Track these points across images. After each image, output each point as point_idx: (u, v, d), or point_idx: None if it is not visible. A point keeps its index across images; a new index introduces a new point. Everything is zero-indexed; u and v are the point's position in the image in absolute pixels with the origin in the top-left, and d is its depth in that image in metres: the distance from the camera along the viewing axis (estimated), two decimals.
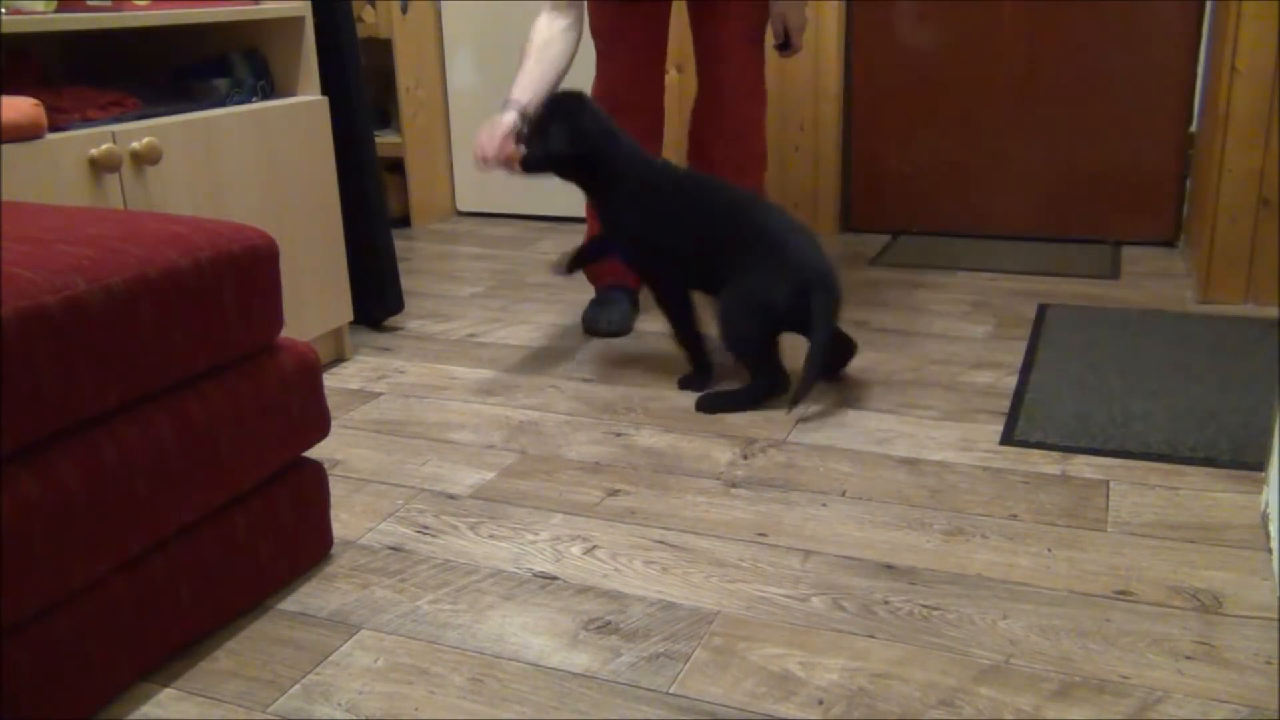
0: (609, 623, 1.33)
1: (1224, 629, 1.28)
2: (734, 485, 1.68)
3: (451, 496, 1.68)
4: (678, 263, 2.01)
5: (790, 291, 1.87)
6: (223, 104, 2.00)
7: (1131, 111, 3.01)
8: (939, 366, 2.16)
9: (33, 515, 1.04)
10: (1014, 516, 1.56)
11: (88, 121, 1.76)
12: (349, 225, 2.32)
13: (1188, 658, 1.22)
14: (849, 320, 2.46)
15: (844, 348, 2.07)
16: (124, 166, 1.75)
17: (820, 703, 1.17)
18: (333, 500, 1.66)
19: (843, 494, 1.64)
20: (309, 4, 2.12)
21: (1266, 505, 1.50)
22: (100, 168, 1.70)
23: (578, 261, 2.25)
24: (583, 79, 2.24)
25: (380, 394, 2.12)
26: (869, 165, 3.32)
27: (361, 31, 3.33)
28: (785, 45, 2.37)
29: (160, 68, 2.18)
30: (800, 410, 1.94)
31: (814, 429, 1.88)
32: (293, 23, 2.12)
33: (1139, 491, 1.62)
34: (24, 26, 1.66)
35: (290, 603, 1.39)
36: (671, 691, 1.20)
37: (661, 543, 1.52)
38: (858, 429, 1.88)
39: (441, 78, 3.64)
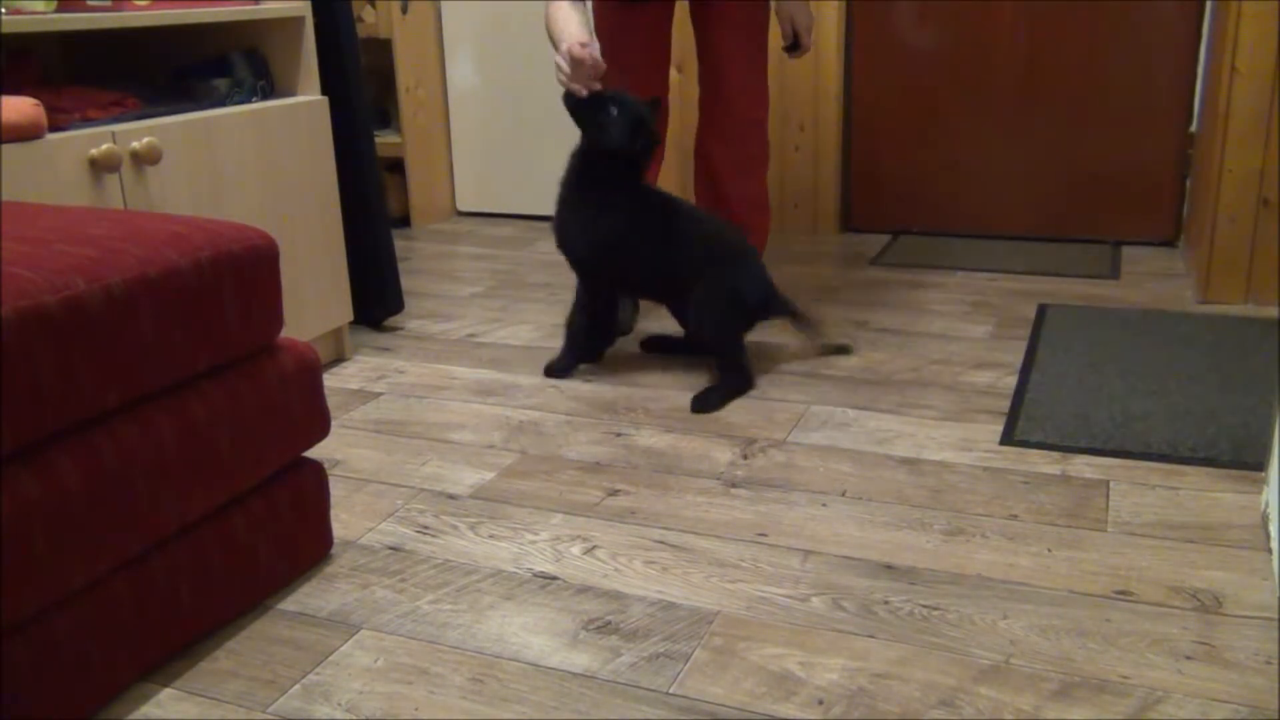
0: (609, 623, 1.33)
1: (1224, 629, 1.28)
2: (734, 485, 1.68)
3: (451, 496, 1.68)
4: (638, 274, 2.10)
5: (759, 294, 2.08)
6: (223, 104, 2.00)
7: (1131, 111, 3.01)
8: (939, 366, 2.16)
9: (33, 515, 1.04)
10: (1014, 516, 1.56)
11: (88, 121, 1.76)
12: (349, 225, 2.32)
13: (1188, 658, 1.22)
14: (849, 320, 2.46)
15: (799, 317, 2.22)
16: (124, 166, 1.75)
17: (820, 703, 1.17)
18: (333, 500, 1.66)
19: (843, 494, 1.64)
20: (309, 4, 2.12)
21: (1266, 505, 1.50)
22: (100, 168, 1.70)
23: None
24: None
25: (380, 394, 2.12)
26: (869, 165, 3.31)
27: (361, 31, 3.33)
28: (794, 46, 2.37)
29: (160, 68, 2.18)
30: (823, 350, 2.07)
31: (814, 429, 1.88)
32: (293, 23, 2.12)
33: (1139, 491, 1.62)
34: (24, 26, 1.66)
35: (290, 603, 1.39)
36: (671, 691, 1.20)
37: (661, 543, 1.52)
38: (858, 429, 1.88)
39: (441, 78, 3.64)
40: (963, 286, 2.72)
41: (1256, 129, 2.37)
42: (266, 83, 2.12)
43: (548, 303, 2.69)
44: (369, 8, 3.43)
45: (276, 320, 1.35)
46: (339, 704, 1.19)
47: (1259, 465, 1.68)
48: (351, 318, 2.31)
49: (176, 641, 1.26)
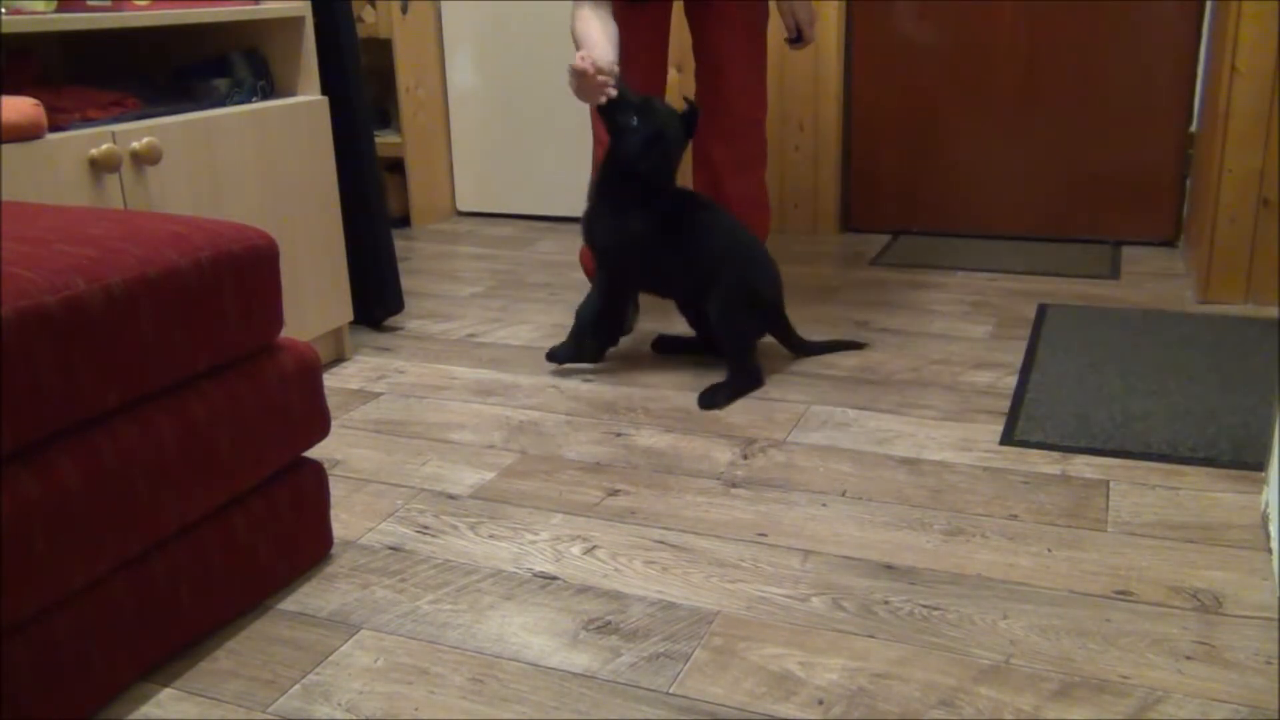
0: (609, 623, 1.33)
1: (1224, 629, 1.28)
2: (734, 485, 1.68)
3: (451, 496, 1.68)
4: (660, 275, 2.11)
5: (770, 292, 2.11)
6: (223, 104, 2.00)
7: (1131, 111, 3.01)
8: (939, 366, 2.16)
9: (33, 515, 1.04)
10: (1014, 516, 1.56)
11: (88, 121, 1.76)
12: (349, 225, 2.32)
13: (1188, 658, 1.22)
14: (850, 320, 2.46)
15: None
16: (124, 166, 1.75)
17: (820, 703, 1.17)
18: (333, 500, 1.66)
19: (843, 494, 1.64)
20: (309, 4, 2.12)
21: (1266, 505, 1.50)
22: (100, 168, 1.70)
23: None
24: None
25: (380, 394, 2.12)
26: (869, 165, 3.31)
27: (361, 31, 3.33)
28: (797, 39, 2.36)
29: (160, 68, 2.18)
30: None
31: (814, 429, 1.88)
32: (293, 23, 2.12)
33: (1139, 491, 1.62)
34: (24, 26, 1.66)
35: (290, 603, 1.39)
36: (671, 691, 1.20)
37: (661, 543, 1.52)
38: (858, 429, 1.88)
39: (441, 78, 3.64)
40: (963, 286, 2.72)
41: (1256, 129, 2.37)
42: (266, 83, 2.12)
43: (548, 303, 2.69)
44: (369, 8, 3.43)
45: (276, 320, 1.35)
46: (339, 704, 1.19)
47: (1259, 465, 1.68)
48: (351, 318, 2.31)
49: (176, 641, 1.26)
